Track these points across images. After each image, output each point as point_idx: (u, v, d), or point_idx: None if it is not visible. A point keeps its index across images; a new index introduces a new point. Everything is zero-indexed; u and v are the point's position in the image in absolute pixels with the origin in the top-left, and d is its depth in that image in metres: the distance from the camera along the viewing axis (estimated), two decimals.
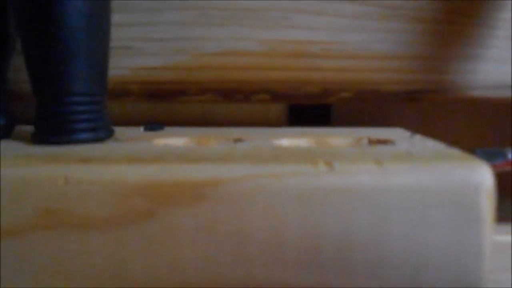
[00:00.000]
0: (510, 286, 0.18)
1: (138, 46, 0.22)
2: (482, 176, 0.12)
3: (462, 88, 0.20)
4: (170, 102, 0.23)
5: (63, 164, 0.13)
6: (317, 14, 0.20)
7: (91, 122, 0.17)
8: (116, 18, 0.22)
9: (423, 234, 0.12)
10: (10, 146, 0.16)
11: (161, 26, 0.22)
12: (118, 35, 0.22)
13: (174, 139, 0.19)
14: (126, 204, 0.13)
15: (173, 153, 0.14)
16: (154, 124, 0.23)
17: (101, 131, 0.17)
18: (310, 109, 0.26)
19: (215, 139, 0.19)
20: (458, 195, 0.12)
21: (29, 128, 0.18)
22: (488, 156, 0.19)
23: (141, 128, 0.22)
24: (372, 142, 0.17)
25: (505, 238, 0.22)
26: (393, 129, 0.21)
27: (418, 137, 0.18)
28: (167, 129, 0.23)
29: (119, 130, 0.21)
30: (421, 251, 0.12)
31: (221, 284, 0.13)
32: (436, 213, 0.12)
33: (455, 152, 0.14)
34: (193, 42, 0.22)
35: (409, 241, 0.12)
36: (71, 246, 0.13)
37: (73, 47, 0.17)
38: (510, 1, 0.19)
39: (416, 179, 0.12)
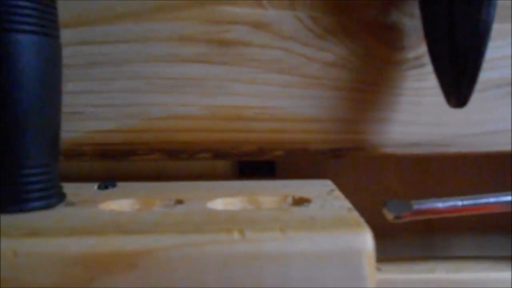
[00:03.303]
0: None
1: (91, 111, 0.25)
2: (364, 241, 0.14)
3: (376, 146, 0.23)
4: (122, 161, 0.25)
5: (13, 238, 0.15)
6: (249, 83, 0.23)
7: (44, 191, 0.19)
8: (69, 86, 0.24)
9: None
10: None
11: (112, 93, 0.24)
12: (72, 102, 0.24)
13: (121, 202, 0.21)
14: (68, 273, 0.15)
15: (113, 222, 0.17)
16: (108, 182, 0.25)
17: (53, 198, 0.19)
18: (257, 162, 0.29)
19: (159, 200, 0.21)
20: (345, 258, 0.14)
21: None
22: (397, 207, 0.22)
23: (95, 186, 0.24)
24: (294, 201, 0.20)
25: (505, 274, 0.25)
26: (320, 182, 0.24)
27: (334, 194, 0.20)
28: (121, 185, 0.25)
29: (73, 188, 0.23)
30: None
31: None
32: (329, 273, 0.14)
33: (351, 216, 0.17)
34: (141, 108, 0.24)
35: None
36: None
37: (25, 121, 0.19)
38: (411, 72, 0.22)
39: (312, 245, 0.15)
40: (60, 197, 0.20)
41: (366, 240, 0.15)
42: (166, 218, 0.17)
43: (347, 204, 0.19)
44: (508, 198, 0.23)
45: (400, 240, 0.30)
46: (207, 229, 0.15)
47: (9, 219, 0.18)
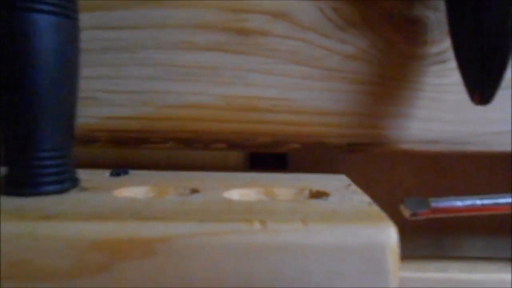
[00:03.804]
0: None
1: (105, 97, 0.24)
2: (388, 236, 0.14)
3: (394, 142, 0.23)
4: (136, 149, 0.25)
5: (30, 221, 0.15)
6: (266, 74, 0.23)
7: (58, 175, 0.19)
8: (84, 71, 0.24)
9: (338, 285, 0.14)
10: None
11: (127, 79, 0.24)
12: (86, 87, 0.24)
13: (135, 189, 0.20)
14: (85, 258, 0.15)
15: (129, 209, 0.16)
16: (120, 169, 0.25)
17: (67, 183, 0.19)
18: (269, 154, 0.28)
19: (174, 188, 0.21)
20: (368, 252, 0.14)
21: None
22: (414, 204, 0.21)
23: (107, 173, 0.24)
24: (312, 194, 0.20)
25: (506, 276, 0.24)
26: (336, 177, 0.23)
27: (352, 188, 0.20)
28: (132, 173, 0.24)
29: (86, 174, 0.22)
30: None
31: None
32: (350, 267, 0.14)
33: (372, 210, 0.16)
34: (156, 95, 0.24)
35: None
36: None
37: (41, 104, 0.18)
38: (433, 68, 0.22)
39: (333, 237, 0.14)
40: (74, 182, 0.20)
41: (390, 234, 0.14)
42: (182, 206, 0.17)
43: (366, 198, 0.18)
44: None
45: (411, 239, 0.29)
46: (226, 218, 0.15)
47: (24, 202, 0.17)
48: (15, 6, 0.17)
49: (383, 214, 0.16)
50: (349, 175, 0.23)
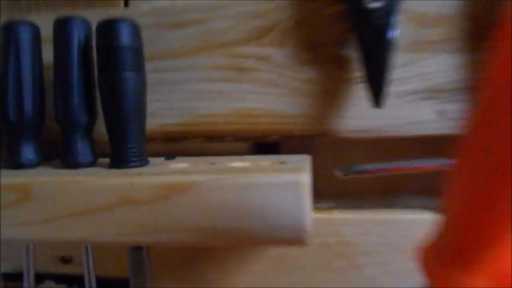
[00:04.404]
0: None
1: (160, 113, 0.40)
2: (302, 177, 0.29)
3: (340, 132, 0.37)
4: (178, 144, 0.40)
5: (129, 176, 0.31)
6: (256, 94, 0.38)
7: (139, 157, 0.34)
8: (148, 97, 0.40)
9: (274, 203, 0.29)
10: (98, 170, 0.34)
11: (172, 102, 0.40)
12: (149, 107, 0.40)
13: (180, 164, 0.36)
14: (163, 194, 0.30)
15: (178, 170, 0.32)
16: (170, 156, 0.40)
17: (143, 161, 0.35)
18: (268, 144, 0.43)
19: (202, 163, 0.36)
20: (289, 186, 0.29)
21: (104, 161, 0.35)
22: (343, 169, 0.35)
23: (163, 158, 0.40)
24: (280, 163, 0.34)
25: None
26: (302, 156, 0.38)
27: (303, 160, 0.35)
28: (178, 158, 0.40)
29: (151, 160, 0.38)
30: (272, 213, 0.29)
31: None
32: (281, 195, 0.29)
33: (302, 168, 0.31)
34: (191, 109, 0.39)
35: (264, 209, 0.29)
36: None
37: (130, 119, 0.34)
38: (358, 86, 0.36)
39: (272, 178, 0.29)
40: (147, 162, 0.35)
41: (303, 176, 0.29)
42: (208, 169, 0.32)
43: (306, 163, 0.33)
44: (429, 162, 0.36)
45: (362, 200, 0.43)
46: (227, 171, 0.30)
47: (124, 171, 0.33)
48: (114, 69, 0.33)
49: (305, 168, 0.30)
50: (317, 156, 0.38)
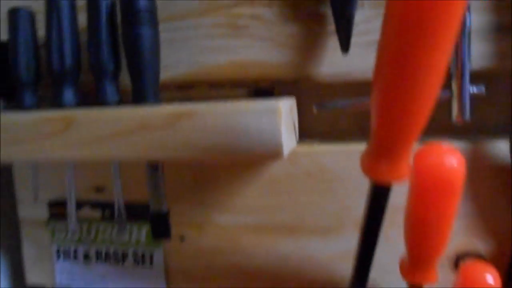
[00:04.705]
0: None
1: (172, 64, 0.49)
2: (278, 105, 0.37)
3: (318, 77, 0.45)
4: (188, 91, 0.49)
5: (146, 108, 0.40)
6: (250, 47, 0.46)
7: (155, 96, 0.43)
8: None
9: (256, 127, 0.37)
10: (123, 105, 0.43)
11: (182, 54, 0.48)
12: (163, 59, 0.48)
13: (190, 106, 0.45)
14: (164, 121, 0.39)
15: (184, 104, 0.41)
16: (180, 102, 0.49)
17: (157, 100, 0.44)
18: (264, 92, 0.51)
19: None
20: (267, 111, 0.37)
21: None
22: (318, 106, 0.44)
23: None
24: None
25: None
26: (288, 97, 0.46)
27: (287, 99, 0.43)
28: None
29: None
30: (255, 132, 0.37)
31: None
32: (260, 118, 0.37)
33: (283, 102, 0.39)
34: (196, 64, 0.48)
35: (248, 130, 0.37)
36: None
37: (147, 67, 0.43)
38: (332, 37, 0.44)
39: (254, 106, 0.37)
40: (160, 101, 0.44)
41: (279, 104, 0.37)
42: (209, 104, 0.41)
43: (291, 101, 0.41)
44: None
45: (342, 137, 0.51)
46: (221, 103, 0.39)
47: (141, 105, 0.42)
48: (134, 26, 0.42)
49: (282, 100, 0.38)
50: (309, 100, 0.46)
